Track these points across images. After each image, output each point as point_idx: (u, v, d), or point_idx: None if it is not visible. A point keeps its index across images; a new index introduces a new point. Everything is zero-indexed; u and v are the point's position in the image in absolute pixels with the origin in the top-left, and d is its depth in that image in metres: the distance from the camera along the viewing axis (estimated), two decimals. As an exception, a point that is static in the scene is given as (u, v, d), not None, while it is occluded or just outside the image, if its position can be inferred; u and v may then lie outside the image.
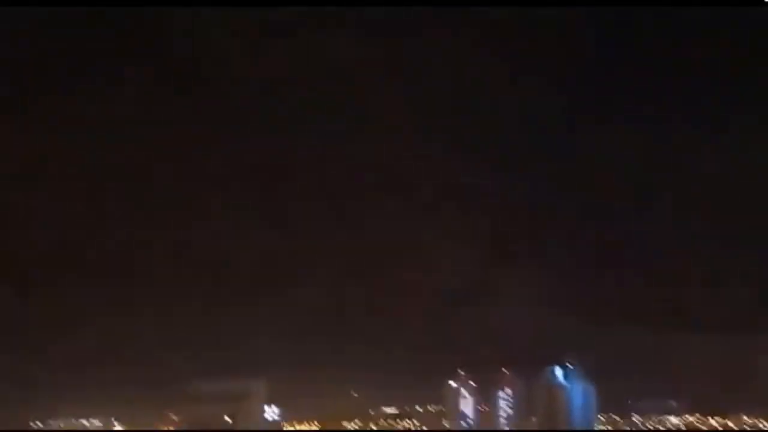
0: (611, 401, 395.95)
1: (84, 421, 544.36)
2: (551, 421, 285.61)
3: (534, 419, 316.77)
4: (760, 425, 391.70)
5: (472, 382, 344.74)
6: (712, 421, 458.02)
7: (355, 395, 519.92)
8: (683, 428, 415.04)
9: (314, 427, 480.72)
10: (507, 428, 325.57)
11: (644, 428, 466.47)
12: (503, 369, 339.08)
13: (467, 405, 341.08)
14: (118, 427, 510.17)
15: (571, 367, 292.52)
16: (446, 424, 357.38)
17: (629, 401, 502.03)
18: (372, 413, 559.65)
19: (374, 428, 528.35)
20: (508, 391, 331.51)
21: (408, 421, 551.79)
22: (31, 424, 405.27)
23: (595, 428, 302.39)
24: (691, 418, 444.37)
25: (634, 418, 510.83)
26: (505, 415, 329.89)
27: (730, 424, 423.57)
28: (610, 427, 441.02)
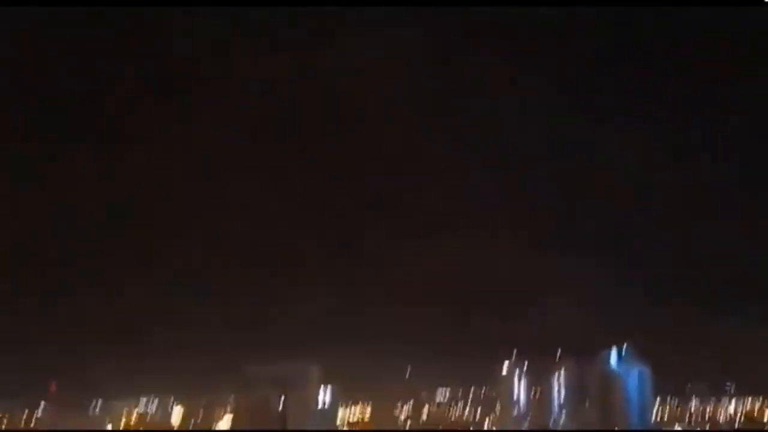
0: (668, 385, 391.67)
1: (143, 401, 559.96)
2: (606, 406, 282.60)
3: (588, 403, 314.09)
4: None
5: (525, 366, 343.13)
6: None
7: (408, 378, 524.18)
8: (740, 413, 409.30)
9: (368, 409, 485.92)
10: (560, 413, 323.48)
11: (699, 414, 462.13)
12: (557, 353, 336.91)
13: (521, 389, 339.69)
14: (176, 409, 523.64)
15: (626, 350, 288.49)
16: (499, 408, 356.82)
17: (687, 385, 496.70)
18: (425, 396, 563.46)
19: (426, 411, 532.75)
20: (562, 375, 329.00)
21: (461, 404, 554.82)
22: (93, 402, 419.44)
23: (652, 412, 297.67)
24: (748, 402, 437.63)
25: (691, 402, 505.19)
26: (558, 399, 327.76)
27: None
28: (666, 411, 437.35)
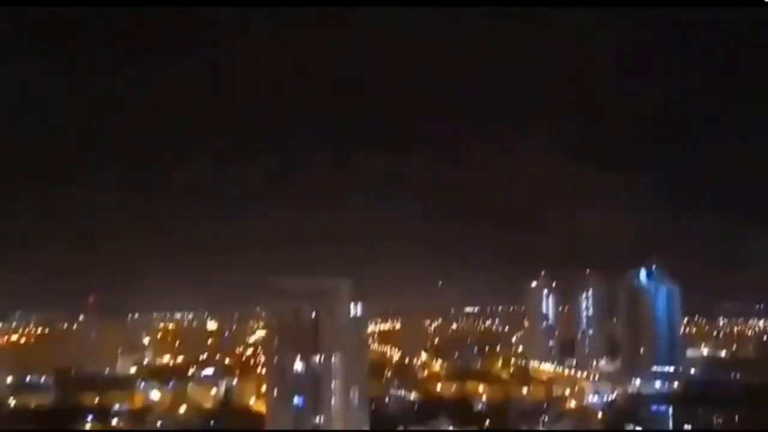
0: (697, 304, 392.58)
1: (178, 315, 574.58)
2: (633, 323, 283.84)
3: (616, 320, 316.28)
4: None
5: (554, 283, 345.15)
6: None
7: (438, 296, 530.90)
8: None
9: (397, 326, 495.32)
10: (588, 328, 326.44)
11: (727, 333, 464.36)
12: (586, 270, 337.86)
13: (549, 306, 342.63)
14: (210, 324, 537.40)
15: (655, 268, 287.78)
16: (527, 324, 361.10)
17: (715, 303, 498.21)
18: (453, 312, 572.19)
19: (455, 325, 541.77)
20: (591, 292, 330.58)
21: (489, 320, 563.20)
22: (129, 315, 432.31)
23: (680, 330, 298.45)
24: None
25: (719, 321, 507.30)
26: (586, 316, 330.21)
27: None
28: (694, 329, 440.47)
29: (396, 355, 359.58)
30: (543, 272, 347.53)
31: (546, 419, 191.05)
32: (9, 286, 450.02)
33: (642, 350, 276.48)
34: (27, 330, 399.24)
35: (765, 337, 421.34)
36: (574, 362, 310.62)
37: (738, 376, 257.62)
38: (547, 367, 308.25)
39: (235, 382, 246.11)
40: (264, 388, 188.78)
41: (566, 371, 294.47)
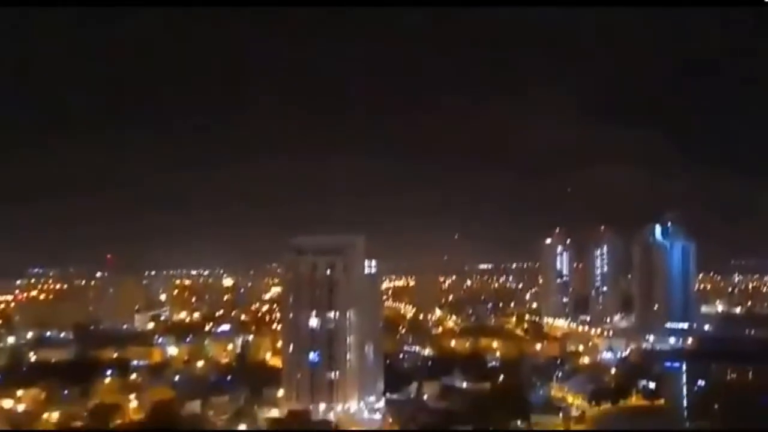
0: (712, 260, 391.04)
1: (194, 272, 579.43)
2: (648, 279, 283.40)
3: (630, 277, 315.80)
4: None
5: (568, 240, 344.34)
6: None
7: (452, 252, 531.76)
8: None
9: (411, 282, 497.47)
10: (602, 284, 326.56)
11: (742, 289, 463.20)
12: (601, 226, 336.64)
13: (563, 262, 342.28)
14: (226, 279, 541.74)
15: (671, 224, 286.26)
16: (541, 281, 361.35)
17: (731, 260, 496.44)
18: (467, 269, 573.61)
19: (469, 283, 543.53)
20: (605, 248, 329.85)
21: (503, 277, 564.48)
22: (146, 272, 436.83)
23: (694, 285, 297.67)
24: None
25: (735, 277, 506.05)
26: (600, 272, 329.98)
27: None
28: (709, 286, 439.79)
29: (410, 311, 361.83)
30: (557, 229, 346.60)
31: (559, 375, 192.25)
32: (28, 244, 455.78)
33: (656, 307, 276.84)
34: (46, 287, 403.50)
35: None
36: (588, 318, 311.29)
37: (753, 332, 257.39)
38: (561, 324, 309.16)
39: (251, 338, 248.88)
40: (280, 343, 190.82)
41: (580, 327, 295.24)
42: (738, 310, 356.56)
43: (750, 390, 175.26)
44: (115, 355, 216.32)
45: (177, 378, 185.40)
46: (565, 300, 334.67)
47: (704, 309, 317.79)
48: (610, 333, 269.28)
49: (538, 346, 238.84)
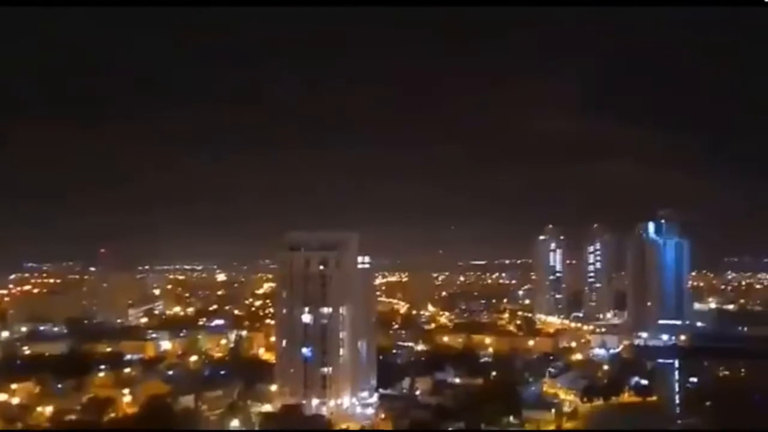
0: (705, 257, 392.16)
1: (187, 267, 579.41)
2: (641, 276, 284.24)
3: (623, 274, 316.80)
4: None
5: (561, 237, 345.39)
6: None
7: (446, 248, 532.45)
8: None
9: (405, 278, 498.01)
10: (596, 280, 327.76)
11: (735, 286, 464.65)
12: (594, 223, 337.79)
13: (556, 258, 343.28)
14: (219, 277, 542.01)
15: (664, 222, 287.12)
16: (534, 277, 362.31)
17: (724, 257, 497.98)
18: (460, 265, 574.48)
19: (462, 279, 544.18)
20: (598, 245, 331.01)
21: (496, 273, 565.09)
22: (139, 267, 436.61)
23: (687, 282, 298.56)
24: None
25: (728, 275, 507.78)
26: (593, 269, 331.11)
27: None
28: (702, 283, 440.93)
29: (403, 307, 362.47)
30: (550, 225, 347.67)
31: (552, 371, 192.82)
32: (22, 238, 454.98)
33: (649, 303, 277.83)
34: (40, 281, 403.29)
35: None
36: (581, 315, 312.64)
37: (745, 329, 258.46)
38: (554, 320, 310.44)
39: (244, 332, 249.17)
40: (273, 338, 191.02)
41: (573, 324, 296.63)
42: (731, 307, 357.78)
43: (742, 387, 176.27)
44: (109, 349, 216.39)
45: (170, 372, 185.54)
46: (558, 296, 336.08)
47: (697, 306, 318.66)
48: (603, 329, 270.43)
49: (531, 343, 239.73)
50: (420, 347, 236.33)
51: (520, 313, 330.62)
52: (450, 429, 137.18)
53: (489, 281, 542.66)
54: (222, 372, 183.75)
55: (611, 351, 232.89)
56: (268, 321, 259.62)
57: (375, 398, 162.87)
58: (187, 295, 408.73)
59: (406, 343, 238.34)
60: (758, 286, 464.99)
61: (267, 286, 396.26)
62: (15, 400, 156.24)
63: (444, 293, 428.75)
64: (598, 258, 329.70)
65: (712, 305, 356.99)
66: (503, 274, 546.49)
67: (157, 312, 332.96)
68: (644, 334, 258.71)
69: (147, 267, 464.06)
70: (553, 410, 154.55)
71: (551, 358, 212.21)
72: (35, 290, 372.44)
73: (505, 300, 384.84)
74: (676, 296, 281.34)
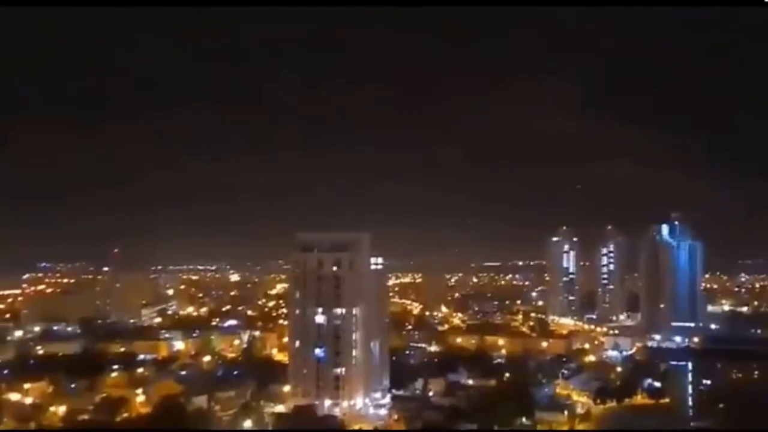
0: (719, 259, 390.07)
1: (200, 267, 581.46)
2: (654, 278, 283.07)
3: (636, 275, 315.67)
4: None
5: (575, 238, 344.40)
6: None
7: (456, 250, 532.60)
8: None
9: (418, 279, 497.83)
10: (609, 282, 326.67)
11: (748, 289, 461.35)
12: (608, 225, 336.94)
13: (569, 260, 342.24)
14: (233, 275, 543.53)
15: (678, 224, 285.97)
16: (547, 278, 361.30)
17: (738, 259, 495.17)
18: (473, 266, 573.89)
19: (475, 281, 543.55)
20: (612, 247, 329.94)
21: (510, 275, 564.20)
22: (152, 267, 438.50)
23: (700, 284, 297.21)
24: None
25: (741, 277, 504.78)
26: (606, 270, 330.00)
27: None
28: (715, 285, 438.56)
29: (417, 308, 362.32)
30: (564, 227, 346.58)
31: (565, 372, 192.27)
32: (36, 238, 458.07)
33: (662, 305, 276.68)
34: (53, 281, 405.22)
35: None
36: (594, 316, 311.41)
37: (759, 331, 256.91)
38: (567, 321, 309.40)
39: (257, 333, 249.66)
40: (286, 339, 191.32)
41: (586, 325, 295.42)
42: (744, 309, 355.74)
43: (756, 389, 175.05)
44: (122, 349, 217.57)
45: (183, 372, 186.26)
46: (571, 298, 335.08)
47: (710, 308, 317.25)
48: (616, 331, 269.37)
49: (544, 344, 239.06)
50: (433, 348, 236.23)
51: (533, 314, 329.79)
52: (463, 431, 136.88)
53: (502, 282, 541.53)
54: (235, 372, 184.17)
55: (624, 353, 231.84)
56: (281, 321, 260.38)
57: (388, 399, 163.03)
58: (200, 295, 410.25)
59: (419, 344, 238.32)
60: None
61: (280, 287, 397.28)
62: (28, 400, 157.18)
63: (457, 294, 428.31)
64: (612, 260, 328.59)
65: (726, 307, 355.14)
66: (516, 276, 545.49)
67: (170, 312, 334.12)
68: (657, 336, 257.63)
69: (160, 267, 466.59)
70: (566, 412, 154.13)
71: (564, 359, 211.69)
72: (49, 290, 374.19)
73: (518, 301, 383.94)
74: (689, 298, 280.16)
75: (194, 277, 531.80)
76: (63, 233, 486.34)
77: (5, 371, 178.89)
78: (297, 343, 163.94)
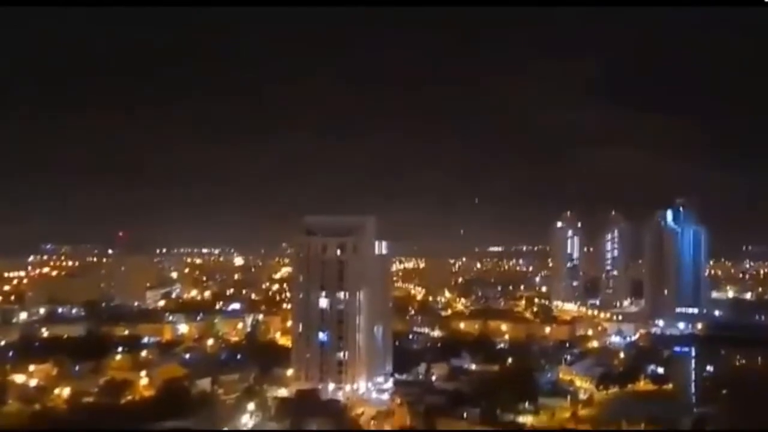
0: (724, 246, 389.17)
1: (205, 251, 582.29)
2: (658, 264, 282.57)
3: (640, 261, 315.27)
4: None
5: (579, 223, 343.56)
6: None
7: (462, 236, 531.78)
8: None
9: (422, 264, 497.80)
10: (613, 268, 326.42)
11: (753, 275, 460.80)
12: (612, 210, 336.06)
13: (573, 246, 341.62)
14: (237, 258, 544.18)
15: (682, 209, 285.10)
16: (551, 264, 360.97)
17: (742, 246, 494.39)
18: (477, 251, 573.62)
19: (479, 266, 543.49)
20: (616, 233, 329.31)
21: (513, 260, 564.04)
22: (157, 250, 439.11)
23: (705, 270, 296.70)
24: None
25: (746, 263, 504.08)
26: (611, 256, 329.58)
27: None
28: (720, 272, 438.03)
29: (420, 293, 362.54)
30: (568, 212, 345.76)
31: (568, 358, 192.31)
32: (41, 220, 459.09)
33: (666, 291, 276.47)
34: (58, 263, 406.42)
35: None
36: (598, 302, 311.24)
37: (763, 318, 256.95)
38: (571, 307, 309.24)
39: (261, 317, 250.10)
40: (289, 323, 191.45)
41: (589, 311, 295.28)
42: (749, 296, 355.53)
43: (759, 376, 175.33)
44: (126, 332, 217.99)
45: (187, 356, 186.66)
46: (575, 284, 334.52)
47: (715, 295, 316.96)
48: (620, 317, 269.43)
49: (547, 329, 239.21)
50: (436, 333, 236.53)
51: (536, 300, 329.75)
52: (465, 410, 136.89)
53: (506, 268, 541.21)
54: (238, 356, 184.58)
55: (628, 339, 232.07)
56: (284, 305, 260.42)
57: (391, 383, 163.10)
58: (204, 278, 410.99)
59: (422, 329, 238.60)
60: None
61: (284, 271, 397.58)
62: (33, 382, 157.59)
63: (461, 279, 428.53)
64: (616, 245, 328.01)
65: (730, 294, 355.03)
66: (520, 261, 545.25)
67: (174, 295, 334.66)
68: (661, 323, 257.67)
69: (164, 250, 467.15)
70: (568, 397, 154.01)
71: (567, 345, 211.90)
72: (53, 272, 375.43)
73: (521, 287, 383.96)
74: (693, 284, 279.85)
75: (198, 261, 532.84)
76: (68, 215, 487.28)
77: (10, 353, 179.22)
78: (300, 327, 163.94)
